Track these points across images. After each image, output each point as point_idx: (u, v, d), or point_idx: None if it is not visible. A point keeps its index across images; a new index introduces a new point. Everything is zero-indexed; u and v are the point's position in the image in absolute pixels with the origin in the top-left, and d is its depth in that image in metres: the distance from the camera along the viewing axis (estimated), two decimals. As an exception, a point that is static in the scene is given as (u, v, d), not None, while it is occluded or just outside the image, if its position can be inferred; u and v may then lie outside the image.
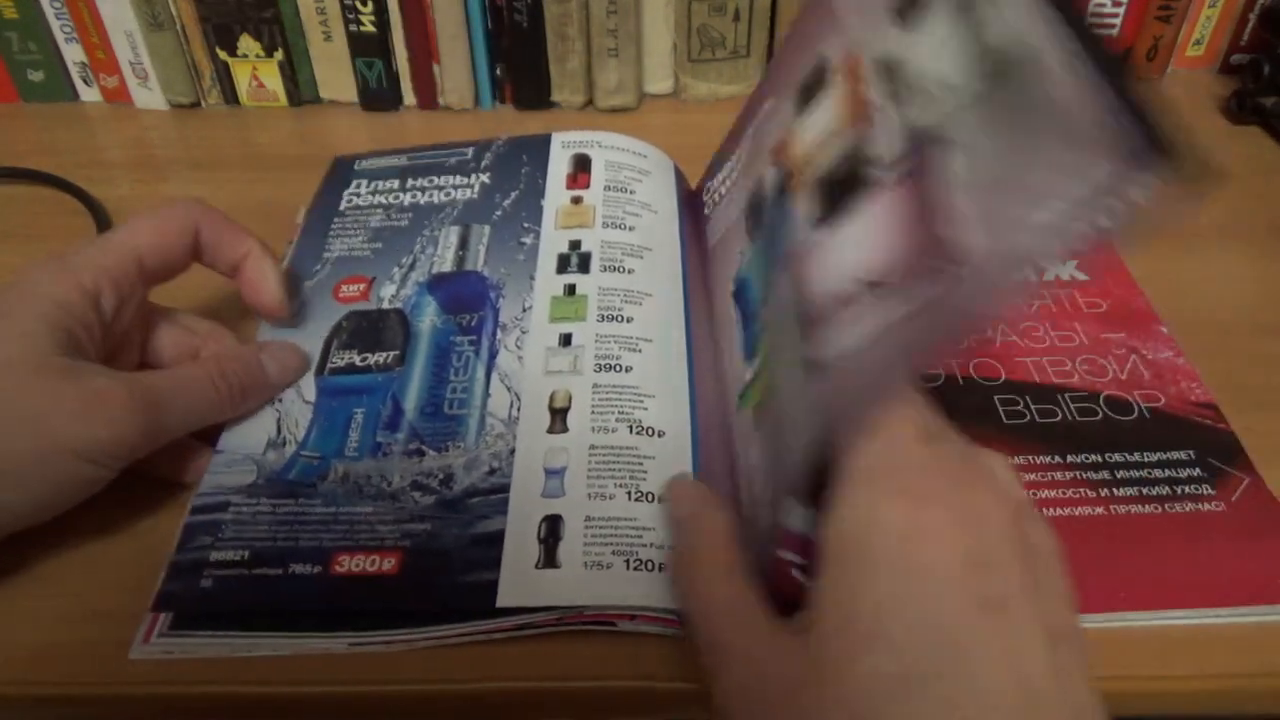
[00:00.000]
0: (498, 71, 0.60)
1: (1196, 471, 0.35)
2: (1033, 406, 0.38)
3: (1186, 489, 0.35)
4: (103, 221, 0.49)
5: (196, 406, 0.34)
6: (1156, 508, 0.34)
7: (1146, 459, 0.36)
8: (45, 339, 0.31)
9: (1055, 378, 0.39)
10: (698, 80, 0.61)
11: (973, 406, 0.38)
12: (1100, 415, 0.38)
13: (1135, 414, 0.38)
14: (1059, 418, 0.37)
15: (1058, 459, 0.36)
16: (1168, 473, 0.35)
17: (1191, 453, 0.36)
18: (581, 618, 0.30)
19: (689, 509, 0.31)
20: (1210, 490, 0.35)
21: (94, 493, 0.31)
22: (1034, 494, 0.35)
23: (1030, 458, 0.36)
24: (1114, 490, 0.35)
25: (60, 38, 0.58)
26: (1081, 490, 0.35)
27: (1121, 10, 0.60)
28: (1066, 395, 0.38)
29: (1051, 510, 0.34)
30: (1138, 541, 0.33)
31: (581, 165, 0.46)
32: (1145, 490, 0.35)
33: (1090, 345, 0.41)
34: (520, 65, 0.59)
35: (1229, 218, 0.51)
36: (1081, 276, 0.45)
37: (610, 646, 0.31)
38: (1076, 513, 0.34)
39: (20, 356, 0.30)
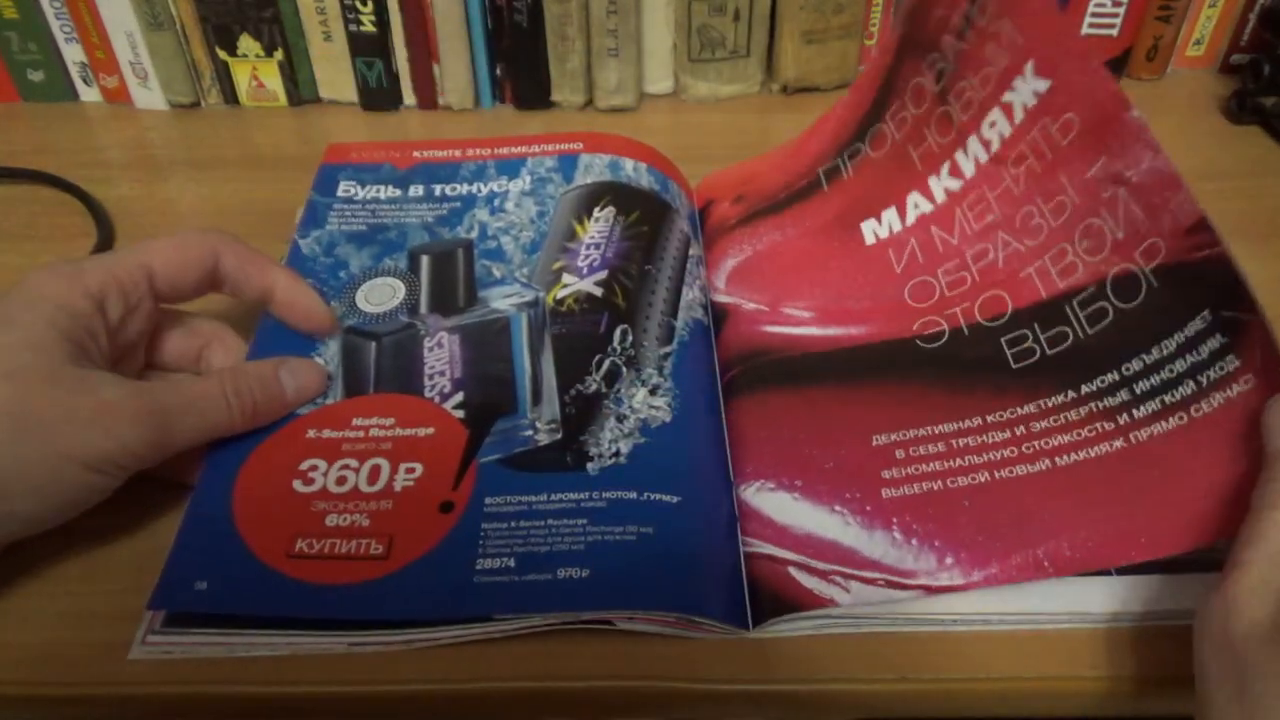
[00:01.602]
0: (498, 71, 0.60)
1: (1217, 340, 0.31)
2: (1042, 337, 0.35)
3: (1211, 374, 0.31)
4: (102, 221, 0.49)
5: (207, 423, 0.33)
6: (1182, 417, 0.31)
7: (1165, 350, 0.32)
8: (54, 347, 0.31)
9: (1061, 281, 0.36)
10: (698, 80, 0.61)
11: (981, 359, 0.36)
12: (1110, 315, 0.34)
13: (1143, 290, 0.34)
14: (1069, 340, 0.35)
15: (1071, 394, 0.34)
16: (1189, 359, 0.32)
17: (1206, 312, 0.32)
18: (580, 617, 0.30)
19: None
20: (1235, 362, 0.31)
21: (100, 500, 0.31)
22: (1046, 442, 0.33)
23: (1041, 402, 0.34)
24: (1133, 412, 0.32)
25: (60, 38, 0.58)
26: (1098, 425, 0.32)
27: (1121, 10, 0.60)
28: (1074, 302, 0.35)
29: (1067, 456, 0.32)
30: (1163, 473, 0.31)
31: None
32: (1168, 397, 0.32)
33: (1081, 201, 0.36)
34: (520, 65, 0.59)
35: (1229, 218, 0.51)
36: (1042, 85, 0.37)
37: (609, 646, 0.31)
38: (1093, 453, 0.32)
39: (31, 366, 0.30)
